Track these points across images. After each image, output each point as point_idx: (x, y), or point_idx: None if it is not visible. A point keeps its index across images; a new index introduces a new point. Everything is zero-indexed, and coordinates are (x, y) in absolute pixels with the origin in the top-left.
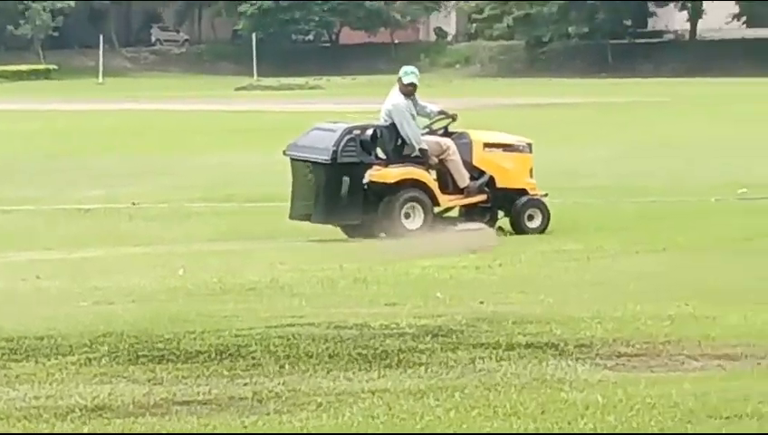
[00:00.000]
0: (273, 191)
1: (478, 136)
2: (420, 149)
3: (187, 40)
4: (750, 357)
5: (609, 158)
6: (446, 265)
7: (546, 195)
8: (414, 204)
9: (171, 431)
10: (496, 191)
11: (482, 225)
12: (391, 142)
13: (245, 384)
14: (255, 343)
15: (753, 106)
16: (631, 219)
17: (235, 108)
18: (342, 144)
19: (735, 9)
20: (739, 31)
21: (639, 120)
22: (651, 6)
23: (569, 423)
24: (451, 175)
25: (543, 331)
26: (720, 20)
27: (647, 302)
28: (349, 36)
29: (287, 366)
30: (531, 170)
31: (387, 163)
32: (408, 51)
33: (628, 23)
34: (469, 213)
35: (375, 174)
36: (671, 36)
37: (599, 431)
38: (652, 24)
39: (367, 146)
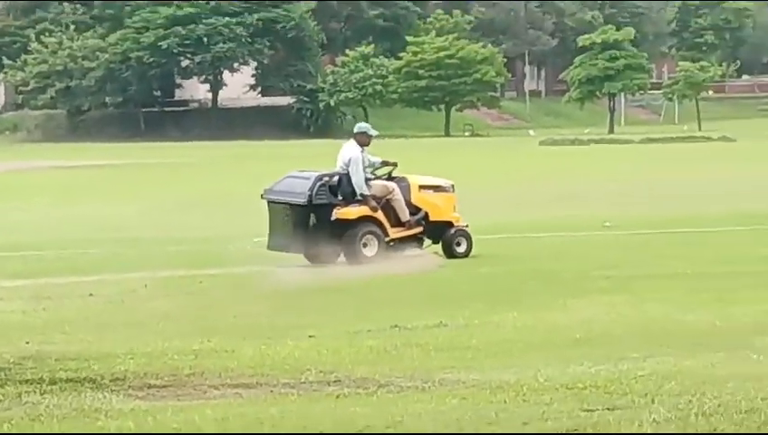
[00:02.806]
0: None
1: (414, 180)
2: (362, 195)
3: None
4: (264, 385)
5: (144, 212)
6: None
7: (467, 226)
8: (371, 236)
9: None
10: (429, 224)
11: (422, 251)
12: (349, 187)
13: None
14: None
15: (268, 164)
16: (170, 264)
17: None
18: (316, 189)
19: (251, 81)
20: (255, 99)
21: (171, 179)
22: (177, 79)
23: None
24: (395, 211)
25: (82, 367)
26: (238, 90)
27: (174, 338)
28: None
29: None
30: (454, 206)
31: (346, 203)
32: None
33: (158, 93)
34: (401, 241)
35: (339, 212)
36: (196, 105)
37: None
38: (179, 94)
39: (334, 190)
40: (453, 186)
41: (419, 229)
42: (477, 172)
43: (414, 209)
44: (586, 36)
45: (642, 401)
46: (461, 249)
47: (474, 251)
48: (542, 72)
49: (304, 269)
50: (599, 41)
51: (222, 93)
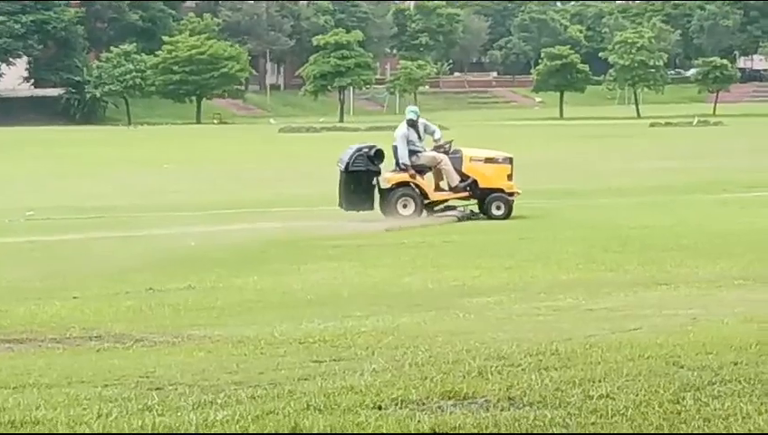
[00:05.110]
0: None
1: (467, 152)
2: (403, 164)
3: None
4: (33, 341)
5: None
6: None
7: (518, 193)
8: (407, 198)
9: None
10: (481, 190)
11: (454, 212)
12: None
13: None
14: None
15: (37, 148)
16: None
17: None
18: (353, 158)
19: (25, 74)
20: (29, 90)
21: None
22: None
23: None
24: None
25: None
26: (14, 81)
27: None
28: None
29: None
30: (508, 176)
31: (398, 171)
32: None
33: None
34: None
35: (382, 179)
36: None
37: None
38: None
39: (371, 158)
40: (509, 158)
41: (465, 194)
42: (225, 155)
43: (464, 177)
44: (320, 37)
45: (364, 353)
46: (498, 212)
47: (221, 222)
48: (282, 69)
49: (72, 239)
50: (331, 42)
51: (1, 84)
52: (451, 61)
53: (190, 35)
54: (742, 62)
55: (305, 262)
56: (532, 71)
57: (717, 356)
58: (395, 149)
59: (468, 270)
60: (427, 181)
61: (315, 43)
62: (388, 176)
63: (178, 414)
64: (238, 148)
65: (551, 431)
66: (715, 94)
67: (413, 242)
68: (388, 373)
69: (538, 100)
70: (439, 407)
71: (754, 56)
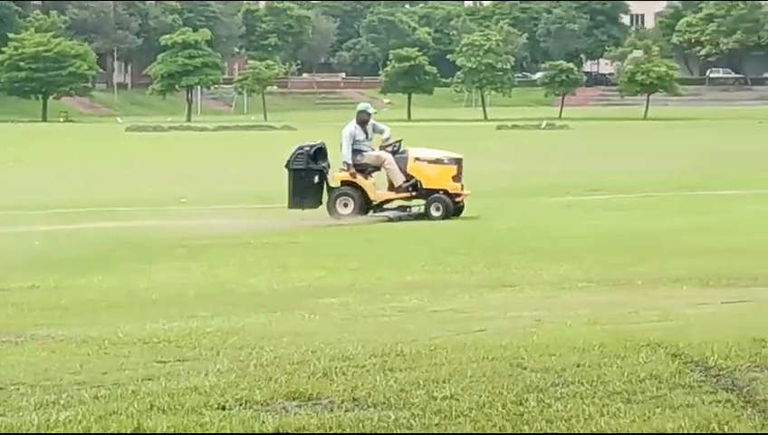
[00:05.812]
0: None
1: (413, 153)
2: (344, 163)
3: None
4: None
5: None
6: None
7: (465, 195)
8: (347, 197)
9: None
10: (425, 191)
11: (394, 212)
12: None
13: None
14: None
15: None
16: None
17: None
18: (294, 156)
19: None
20: None
21: None
22: None
23: None
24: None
25: None
26: None
27: None
28: None
29: None
30: (454, 177)
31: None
32: None
33: None
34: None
35: (330, 177)
36: None
37: None
38: None
39: (312, 157)
40: (456, 159)
41: (408, 194)
42: (72, 154)
43: (408, 177)
44: (168, 36)
45: (209, 353)
46: (437, 213)
47: (67, 222)
48: (129, 67)
49: None
50: (179, 41)
51: None
52: (299, 61)
53: (36, 32)
54: (588, 66)
55: (152, 262)
56: (380, 72)
57: (560, 358)
58: (341, 147)
59: (314, 271)
60: (376, 181)
61: (163, 42)
62: (335, 174)
63: (20, 414)
64: (85, 146)
65: (394, 432)
66: (562, 98)
67: (259, 243)
68: (233, 374)
69: (386, 101)
70: (284, 408)
71: (600, 60)
